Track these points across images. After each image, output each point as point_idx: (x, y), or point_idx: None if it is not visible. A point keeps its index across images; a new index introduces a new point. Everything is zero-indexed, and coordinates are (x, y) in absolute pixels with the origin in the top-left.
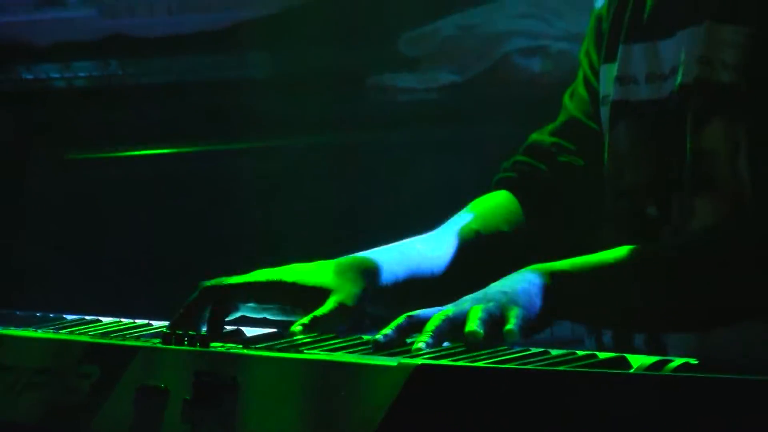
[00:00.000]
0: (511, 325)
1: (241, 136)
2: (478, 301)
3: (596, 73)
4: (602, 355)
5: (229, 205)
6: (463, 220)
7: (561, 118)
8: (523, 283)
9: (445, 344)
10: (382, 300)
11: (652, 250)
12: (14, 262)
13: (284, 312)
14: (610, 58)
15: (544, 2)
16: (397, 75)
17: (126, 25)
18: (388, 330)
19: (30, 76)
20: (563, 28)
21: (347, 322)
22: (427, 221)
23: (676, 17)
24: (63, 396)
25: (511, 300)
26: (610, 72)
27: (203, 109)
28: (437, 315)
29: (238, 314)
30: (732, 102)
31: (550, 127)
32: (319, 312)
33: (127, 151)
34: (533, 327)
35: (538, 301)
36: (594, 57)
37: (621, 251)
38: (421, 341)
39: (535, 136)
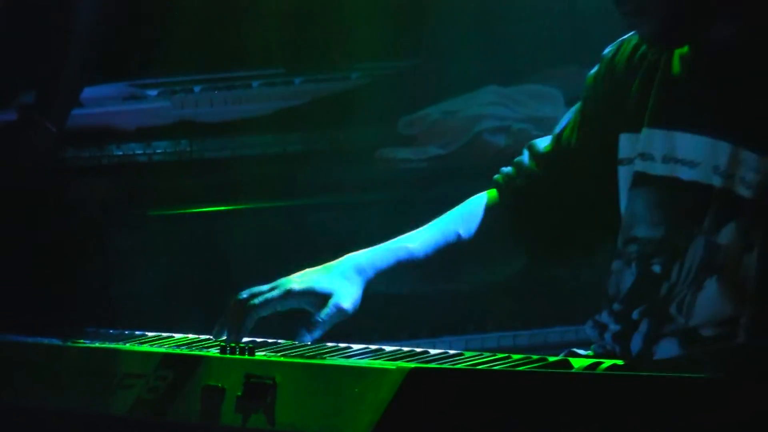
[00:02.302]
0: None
1: (279, 197)
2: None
3: (595, 128)
4: (551, 358)
5: (274, 255)
6: (447, 221)
7: (550, 146)
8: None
9: (433, 351)
10: (379, 291)
11: None
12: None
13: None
14: (631, 128)
15: (507, 93)
16: (397, 149)
17: (192, 113)
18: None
19: (120, 152)
20: (522, 112)
21: (345, 317)
22: None
23: (691, 120)
24: (146, 394)
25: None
26: (629, 140)
27: (252, 177)
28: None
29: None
30: (751, 213)
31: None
32: (320, 316)
33: (194, 209)
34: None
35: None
36: (596, 116)
37: None
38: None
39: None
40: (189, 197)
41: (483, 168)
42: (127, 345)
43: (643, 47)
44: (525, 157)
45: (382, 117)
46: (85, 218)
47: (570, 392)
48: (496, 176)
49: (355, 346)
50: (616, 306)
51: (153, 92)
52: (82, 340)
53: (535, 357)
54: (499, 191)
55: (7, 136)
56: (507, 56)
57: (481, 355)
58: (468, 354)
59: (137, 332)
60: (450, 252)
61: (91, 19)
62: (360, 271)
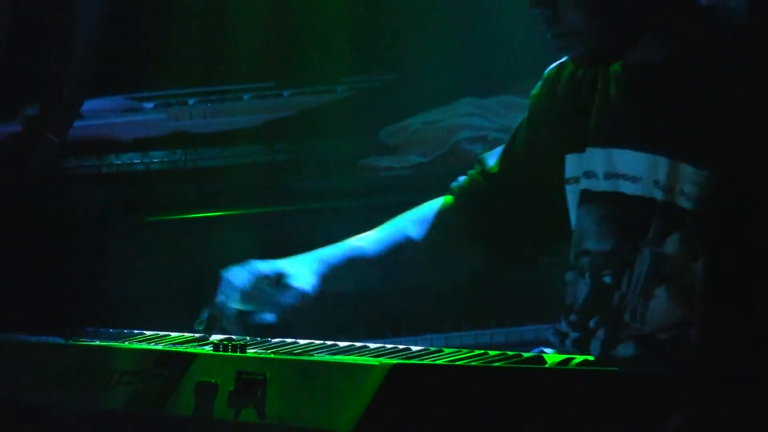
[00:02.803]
0: None
1: (268, 204)
2: None
3: (535, 138)
4: (526, 354)
5: (263, 258)
6: (400, 222)
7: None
8: None
9: (414, 348)
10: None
11: None
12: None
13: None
14: (575, 149)
15: (484, 104)
16: (380, 157)
17: (186, 125)
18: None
19: (118, 162)
20: (498, 122)
21: (308, 301)
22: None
23: (630, 137)
24: (143, 389)
25: None
26: (574, 160)
27: (244, 185)
28: None
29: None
30: (692, 224)
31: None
32: (284, 299)
33: (189, 215)
34: None
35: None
36: (539, 136)
37: None
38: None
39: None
40: (183, 204)
41: (462, 175)
42: (125, 343)
43: (583, 68)
44: (476, 171)
45: (365, 127)
46: (85, 223)
47: (543, 386)
48: (453, 185)
49: (341, 344)
50: (573, 317)
51: (149, 105)
52: (82, 339)
53: (510, 353)
54: (455, 198)
55: (12, 147)
56: (483, 69)
57: (460, 351)
58: (447, 351)
59: (135, 331)
60: (400, 251)
61: (90, 36)
62: (318, 263)
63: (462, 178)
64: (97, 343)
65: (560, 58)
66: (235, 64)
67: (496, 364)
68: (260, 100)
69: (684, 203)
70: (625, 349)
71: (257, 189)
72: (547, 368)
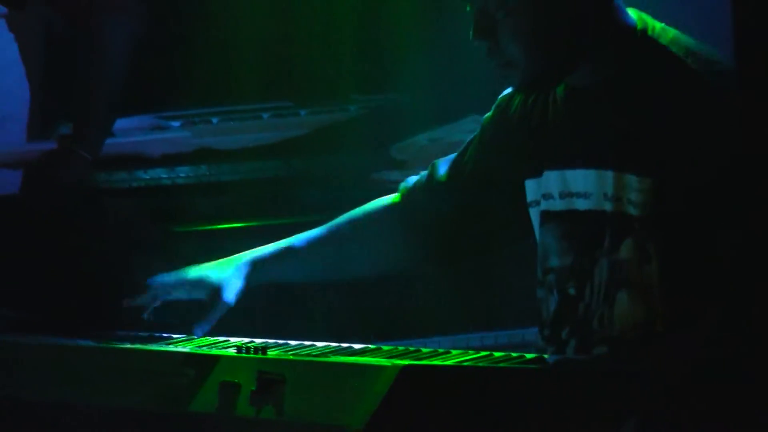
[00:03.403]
0: None
1: (286, 215)
2: None
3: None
4: (528, 355)
5: None
6: (338, 220)
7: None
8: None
9: (424, 349)
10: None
11: None
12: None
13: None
14: (533, 173)
15: None
16: (389, 172)
17: (210, 141)
18: None
19: (146, 177)
20: None
21: (228, 308)
22: None
23: (580, 157)
24: (170, 389)
25: None
26: (533, 185)
27: (263, 198)
28: None
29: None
30: (642, 229)
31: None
32: (207, 314)
33: (212, 226)
34: None
35: None
36: (491, 159)
37: None
38: None
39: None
40: (207, 216)
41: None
42: (154, 346)
43: (533, 96)
44: (426, 175)
45: (376, 144)
46: (115, 234)
47: (545, 384)
48: (401, 185)
49: (356, 346)
50: (546, 331)
51: (176, 123)
52: (113, 342)
53: (514, 354)
54: (401, 197)
55: (48, 163)
56: (485, 90)
57: (467, 353)
58: (455, 352)
59: (163, 335)
60: (334, 247)
61: (119, 61)
62: (245, 265)
63: (411, 179)
64: (127, 345)
65: None
66: (255, 85)
67: (501, 364)
68: (278, 118)
69: (632, 210)
70: (597, 351)
71: (276, 201)
72: (549, 369)
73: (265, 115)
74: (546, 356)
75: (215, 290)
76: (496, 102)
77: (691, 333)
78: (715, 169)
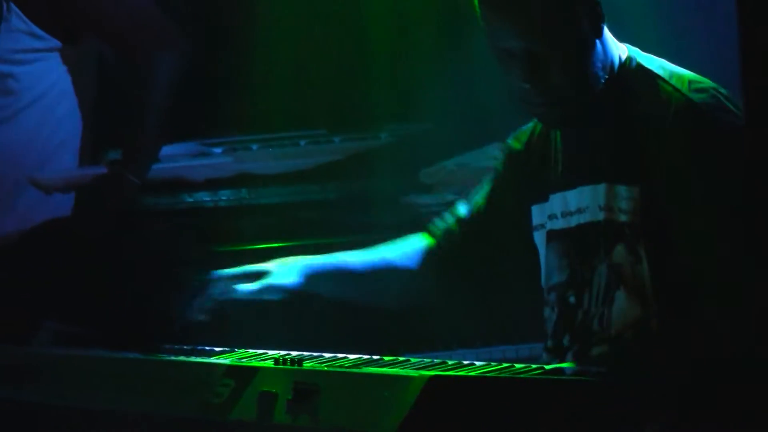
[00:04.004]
0: None
1: (321, 237)
2: None
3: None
4: (548, 367)
5: None
6: (384, 249)
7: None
8: None
9: (449, 361)
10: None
11: None
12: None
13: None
14: (539, 200)
15: None
16: (419, 195)
17: (250, 167)
18: None
19: (190, 200)
20: None
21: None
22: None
23: (579, 177)
24: (212, 398)
25: None
26: (539, 210)
27: (300, 220)
28: None
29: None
30: (631, 233)
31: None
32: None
33: (251, 246)
34: None
35: None
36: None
37: None
38: None
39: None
40: (247, 236)
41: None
42: (197, 358)
43: (538, 131)
44: (450, 217)
45: (406, 169)
46: (161, 254)
47: (564, 394)
48: (430, 226)
49: (386, 358)
50: (549, 343)
51: (218, 150)
52: (159, 354)
53: (534, 366)
54: (435, 240)
55: (99, 187)
56: (509, 118)
57: (489, 365)
58: (478, 364)
59: (206, 348)
60: (379, 272)
61: (165, 93)
62: (305, 265)
63: (438, 222)
64: (171, 358)
65: None
66: (292, 114)
67: (522, 375)
68: (314, 145)
69: (622, 217)
70: (597, 350)
71: (311, 223)
72: (568, 378)
73: (302, 142)
74: (565, 366)
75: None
76: (523, 130)
77: (685, 330)
78: (692, 176)
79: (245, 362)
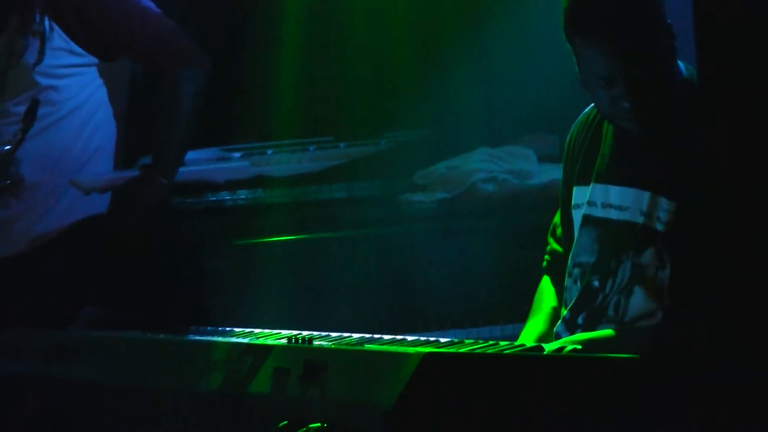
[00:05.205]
0: None
1: (328, 231)
2: None
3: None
4: (528, 343)
5: (323, 272)
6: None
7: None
8: None
9: (442, 340)
10: None
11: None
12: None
13: None
14: (581, 182)
15: (494, 153)
16: (414, 194)
17: (266, 170)
18: None
19: (213, 198)
20: (505, 167)
21: None
22: (432, 268)
23: (625, 176)
24: (232, 374)
25: None
26: (580, 192)
27: (308, 216)
28: None
29: None
30: (663, 241)
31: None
32: None
33: (267, 239)
34: None
35: None
36: (566, 176)
37: None
38: None
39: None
40: (263, 231)
41: (476, 207)
42: (219, 338)
43: (592, 120)
44: (551, 242)
45: (402, 171)
46: (186, 248)
47: (542, 369)
48: (543, 264)
49: (386, 337)
50: (566, 314)
51: (237, 155)
52: (186, 335)
53: (516, 343)
54: (549, 276)
55: (131, 188)
56: (494, 126)
57: (477, 342)
58: (467, 342)
59: (226, 329)
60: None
61: (189, 105)
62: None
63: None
64: (198, 338)
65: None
66: (302, 123)
67: (506, 352)
68: (321, 150)
69: (658, 226)
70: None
71: (320, 219)
72: (546, 354)
73: (311, 148)
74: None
75: None
76: (584, 115)
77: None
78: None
79: (262, 341)
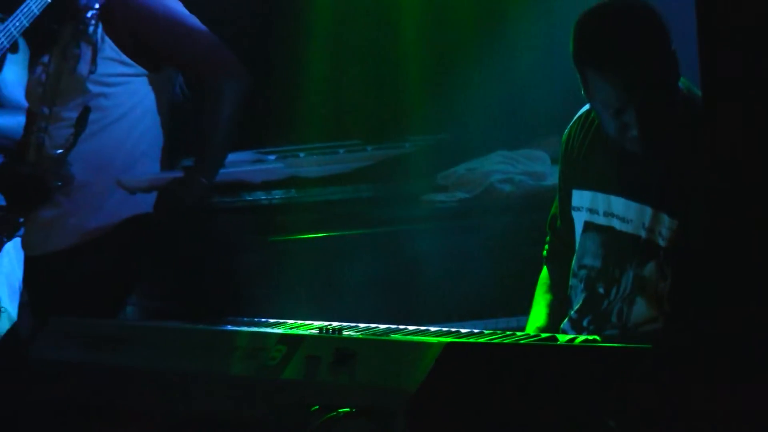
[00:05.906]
0: None
1: (356, 228)
2: None
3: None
4: (543, 334)
5: (352, 265)
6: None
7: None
8: None
9: (463, 330)
10: None
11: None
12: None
13: None
14: (582, 186)
15: (511, 155)
16: (436, 194)
17: (299, 171)
18: None
19: (249, 198)
20: (521, 168)
21: None
22: (452, 263)
23: (626, 188)
24: (268, 361)
25: None
26: (581, 195)
27: (338, 214)
28: None
29: None
30: (665, 256)
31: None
32: None
33: (299, 236)
34: None
35: None
36: (563, 174)
37: None
38: None
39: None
40: (295, 228)
41: (493, 206)
42: (255, 328)
43: (591, 121)
44: (550, 236)
45: (425, 172)
46: (226, 243)
47: (555, 358)
48: (543, 254)
49: (411, 327)
50: (573, 314)
51: (272, 157)
52: (225, 325)
53: (531, 333)
54: (547, 269)
55: (175, 188)
56: (510, 130)
57: (495, 333)
58: (487, 332)
59: (262, 319)
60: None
61: (228, 111)
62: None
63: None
64: (236, 328)
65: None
66: (333, 127)
67: (522, 341)
68: (350, 153)
69: (660, 241)
70: (610, 333)
71: (348, 217)
72: (560, 344)
73: (341, 151)
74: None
75: None
76: (577, 116)
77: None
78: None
79: (295, 331)
